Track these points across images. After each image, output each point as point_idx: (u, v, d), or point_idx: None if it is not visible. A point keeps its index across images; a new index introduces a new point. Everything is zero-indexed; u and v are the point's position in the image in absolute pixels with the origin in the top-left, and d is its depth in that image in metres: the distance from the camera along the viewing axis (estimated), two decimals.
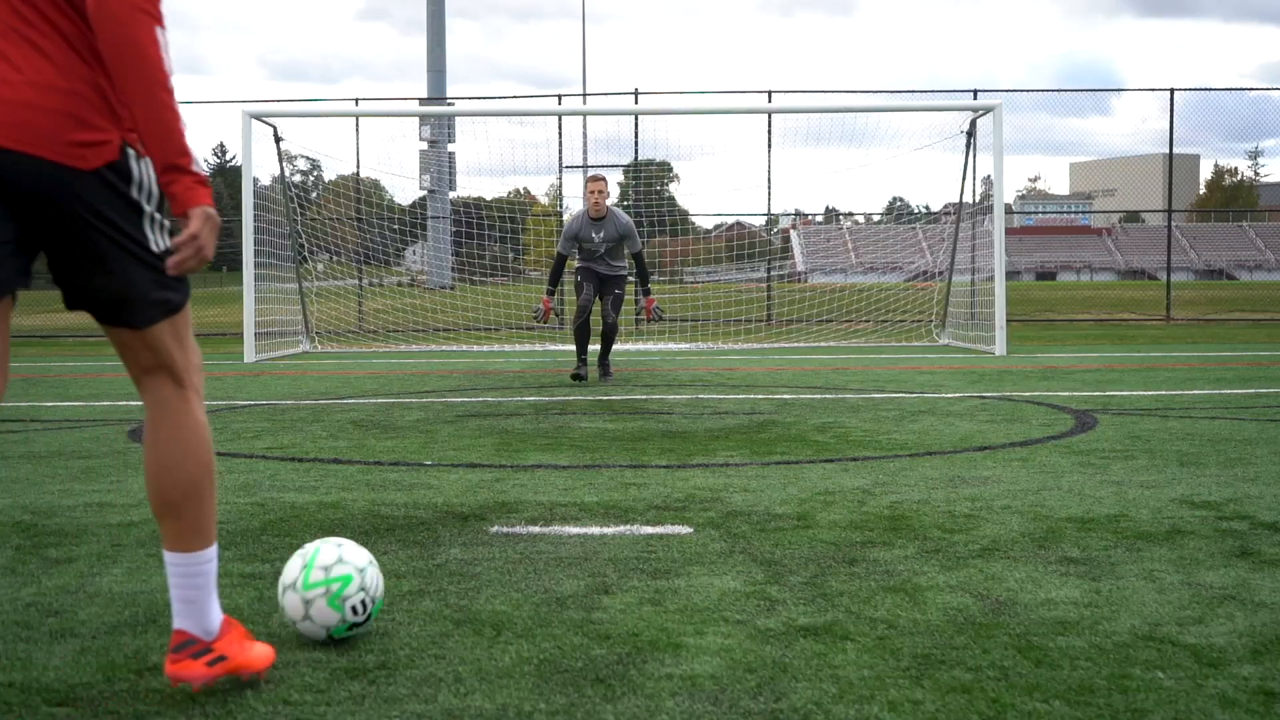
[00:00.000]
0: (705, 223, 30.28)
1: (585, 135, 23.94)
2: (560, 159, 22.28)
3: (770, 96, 21.33)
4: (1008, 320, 14.66)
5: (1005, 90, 41.90)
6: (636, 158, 23.05)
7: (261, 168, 16.50)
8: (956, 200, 17.57)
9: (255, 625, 3.00)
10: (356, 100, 22.07)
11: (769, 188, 22.25)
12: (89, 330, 22.78)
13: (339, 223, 22.09)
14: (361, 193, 23.22)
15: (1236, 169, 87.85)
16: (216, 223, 2.32)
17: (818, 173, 38.39)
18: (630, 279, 11.23)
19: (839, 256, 41.79)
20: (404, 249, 26.96)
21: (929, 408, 8.08)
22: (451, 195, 25.90)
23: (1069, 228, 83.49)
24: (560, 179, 23.27)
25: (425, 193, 26.79)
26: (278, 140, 16.22)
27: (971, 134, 16.67)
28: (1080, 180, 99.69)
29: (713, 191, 43.58)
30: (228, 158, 70.76)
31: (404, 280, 30.12)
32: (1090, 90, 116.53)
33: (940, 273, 18.77)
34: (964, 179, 17.15)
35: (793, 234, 43.18)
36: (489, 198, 24.01)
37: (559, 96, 22.88)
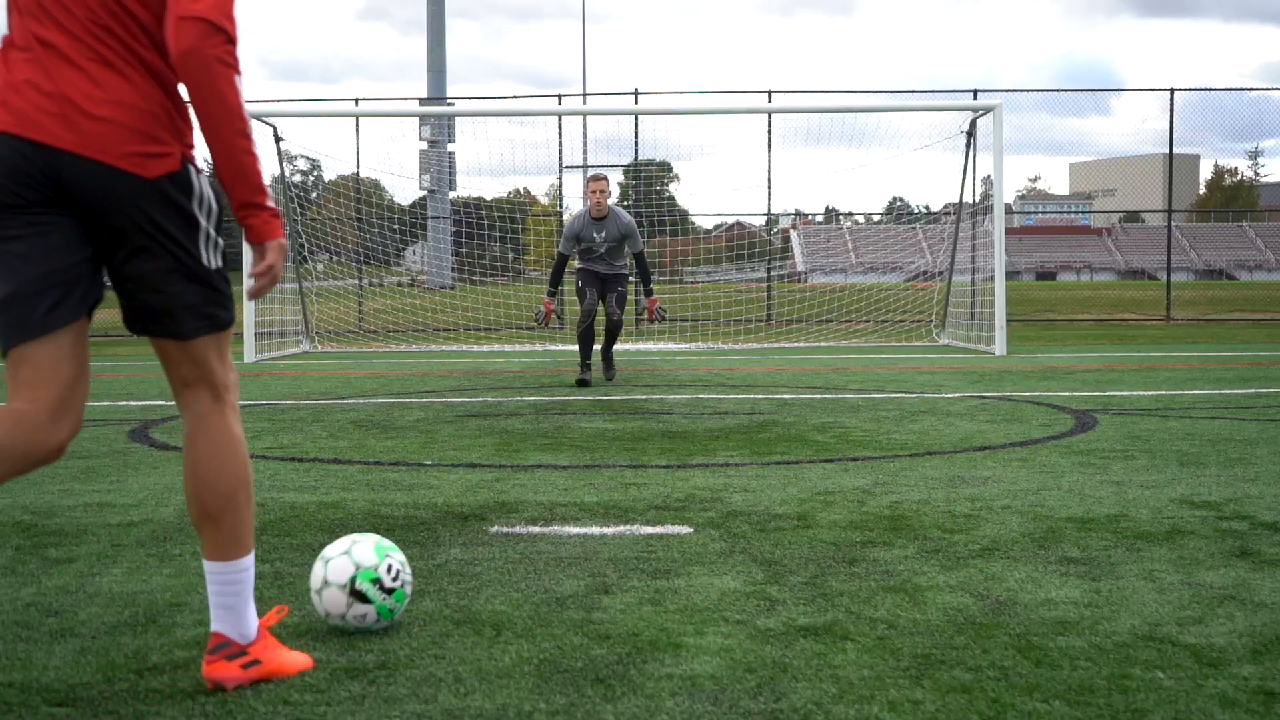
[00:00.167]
0: (705, 223, 30.29)
1: (585, 135, 23.96)
2: (560, 159, 22.30)
3: (770, 96, 21.33)
4: (1008, 320, 14.66)
5: (1005, 90, 41.90)
6: (636, 158, 23.05)
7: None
8: (956, 200, 17.57)
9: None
10: (356, 100, 22.07)
11: (769, 188, 22.26)
12: (89, 330, 22.78)
13: (339, 223, 22.10)
14: (361, 193, 23.22)
15: (1236, 169, 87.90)
16: (285, 248, 2.56)
17: (818, 173, 38.40)
18: (631, 278, 11.20)
19: (839, 256, 41.80)
20: (404, 249, 26.97)
21: (929, 408, 8.08)
22: (451, 195, 25.90)
23: (1069, 228, 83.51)
24: (560, 179, 23.29)
25: (425, 193, 26.79)
26: (277, 140, 16.22)
27: (971, 134, 16.67)
28: (1080, 180, 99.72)
29: (713, 191, 43.59)
30: None
31: (404, 280, 30.13)
32: (1090, 90, 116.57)
33: (940, 273, 18.78)
34: (964, 179, 17.16)
35: (793, 234, 43.18)
36: (489, 198, 24.03)
37: (559, 96, 22.88)
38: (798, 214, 32.47)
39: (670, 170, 29.92)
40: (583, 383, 10.06)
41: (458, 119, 24.43)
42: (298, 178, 23.99)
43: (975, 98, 21.15)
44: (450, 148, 25.83)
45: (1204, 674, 2.62)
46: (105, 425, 7.47)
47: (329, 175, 32.98)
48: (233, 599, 2.59)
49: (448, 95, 35.20)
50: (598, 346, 10.61)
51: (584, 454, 6.01)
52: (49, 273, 2.42)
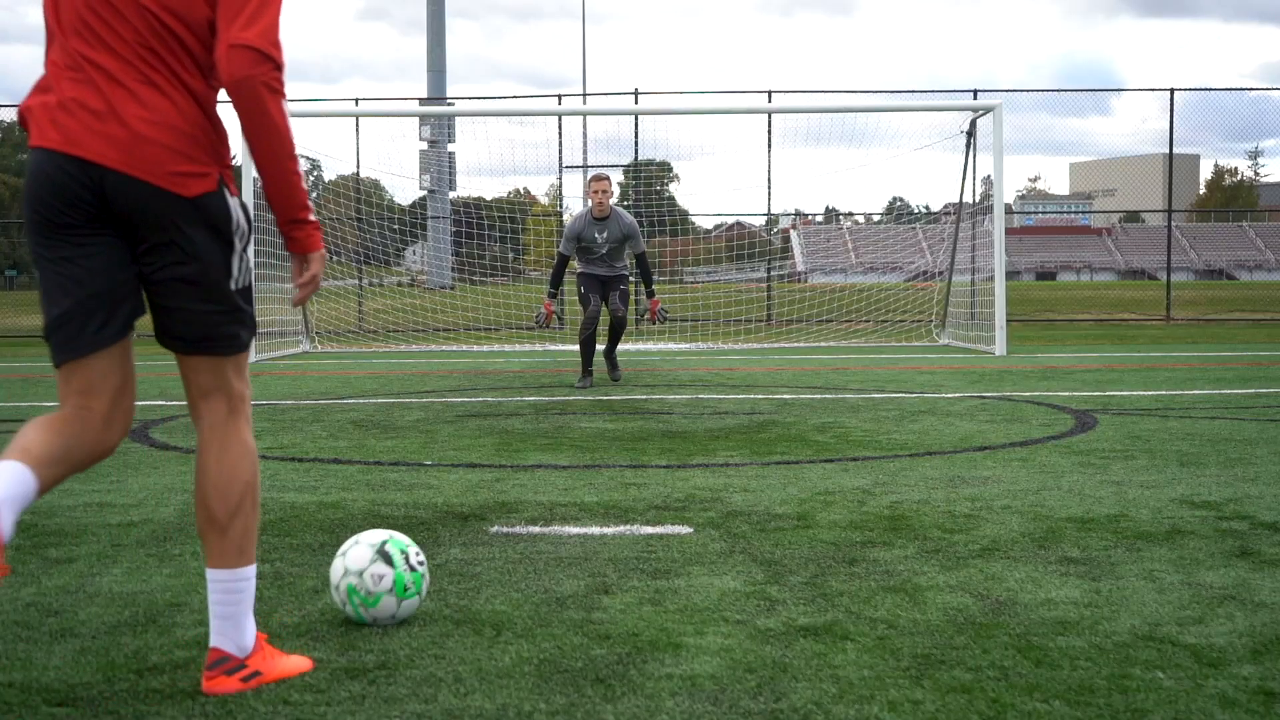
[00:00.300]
0: (705, 223, 30.31)
1: (585, 135, 23.96)
2: (560, 159, 22.30)
3: (770, 96, 21.32)
4: (1008, 320, 14.65)
5: (1005, 90, 41.91)
6: (636, 158, 23.05)
7: None
8: (956, 200, 17.57)
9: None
10: (356, 100, 22.07)
11: (769, 188, 22.25)
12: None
13: (339, 223, 22.09)
14: (361, 193, 23.23)
15: (1236, 169, 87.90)
16: (325, 258, 2.71)
17: (818, 173, 38.41)
18: (632, 279, 11.13)
19: (839, 256, 41.81)
20: (404, 249, 26.97)
21: (929, 408, 8.08)
22: (451, 195, 25.90)
23: (1069, 228, 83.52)
24: (560, 179, 23.28)
25: (425, 193, 26.80)
26: None
27: (971, 134, 16.67)
28: (1080, 180, 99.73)
29: (713, 191, 43.62)
30: None
31: (404, 280, 30.14)
32: (1090, 90, 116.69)
33: (940, 273, 18.78)
34: (964, 179, 17.16)
35: (793, 234, 43.20)
36: (489, 198, 24.04)
37: (559, 96, 22.87)
38: (798, 214, 32.49)
39: (670, 170, 29.94)
40: (583, 386, 9.97)
41: (458, 119, 24.43)
42: None
43: (975, 98, 21.14)
44: (450, 148, 25.84)
45: (1204, 674, 2.62)
46: None
47: (329, 175, 32.99)
48: (233, 608, 2.60)
49: (448, 95, 35.22)
50: (601, 347, 10.55)
51: (584, 454, 6.00)
52: (96, 294, 2.52)
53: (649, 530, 4.13)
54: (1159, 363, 12.55)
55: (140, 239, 2.52)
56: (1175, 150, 23.50)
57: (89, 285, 2.52)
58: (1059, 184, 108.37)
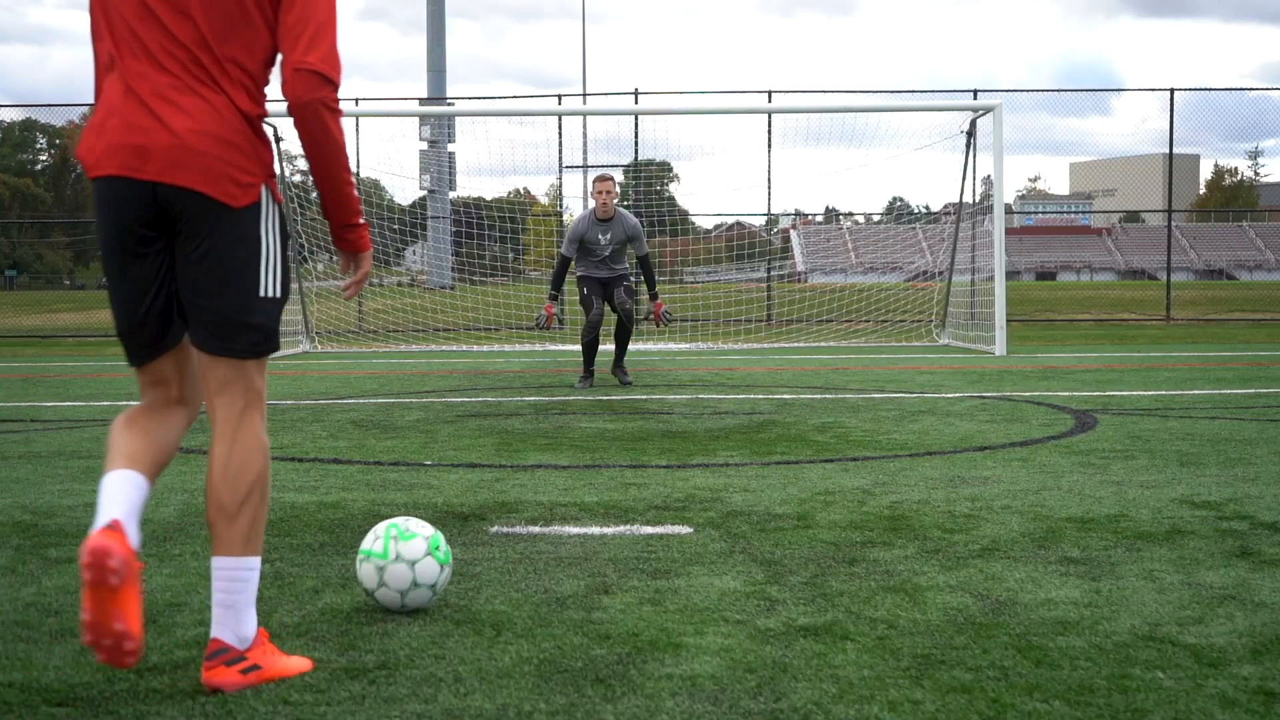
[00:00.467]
0: (705, 223, 30.31)
1: (585, 135, 23.96)
2: (560, 159, 22.30)
3: (770, 96, 21.33)
4: (1008, 320, 14.65)
5: (1005, 90, 41.91)
6: (636, 158, 23.06)
7: None
8: (956, 200, 17.57)
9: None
10: (356, 100, 22.07)
11: (769, 188, 22.26)
12: (89, 330, 22.76)
13: None
14: (361, 193, 23.21)
15: (1236, 169, 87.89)
16: (372, 255, 2.93)
17: (818, 173, 38.41)
18: (634, 279, 11.03)
19: (839, 256, 41.80)
20: (404, 249, 26.96)
21: (929, 408, 8.08)
22: (451, 195, 25.90)
23: (1069, 228, 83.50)
24: (560, 179, 23.29)
25: (425, 193, 26.79)
26: (277, 140, 16.22)
27: (971, 134, 16.67)
28: (1080, 180, 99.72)
29: (713, 191, 43.61)
30: None
31: (404, 280, 30.14)
32: (1090, 90, 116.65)
33: (940, 273, 18.78)
34: (964, 179, 17.16)
35: (793, 234, 43.19)
36: (489, 198, 24.04)
37: (559, 96, 22.87)
38: (798, 214, 32.50)
39: (670, 170, 29.96)
40: (583, 388, 9.91)
41: (458, 119, 24.42)
42: (298, 178, 23.96)
43: (975, 98, 21.15)
44: (450, 148, 25.83)
45: (1204, 674, 2.62)
46: (105, 425, 7.46)
47: None
48: (235, 598, 2.62)
49: (448, 95, 35.20)
50: (605, 347, 10.48)
51: (584, 454, 6.00)
52: (151, 312, 2.71)
53: (649, 530, 4.13)
54: (1159, 363, 12.55)
55: (184, 242, 2.66)
56: (1175, 150, 23.51)
57: (149, 299, 2.69)
58: (1059, 184, 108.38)
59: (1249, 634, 2.90)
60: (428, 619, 3.08)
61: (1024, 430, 6.79)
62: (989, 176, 17.41)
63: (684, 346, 16.85)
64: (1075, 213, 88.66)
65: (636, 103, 22.02)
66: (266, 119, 2.83)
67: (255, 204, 2.68)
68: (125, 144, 2.61)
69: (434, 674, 2.65)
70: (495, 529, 4.18)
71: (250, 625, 2.64)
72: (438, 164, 25.40)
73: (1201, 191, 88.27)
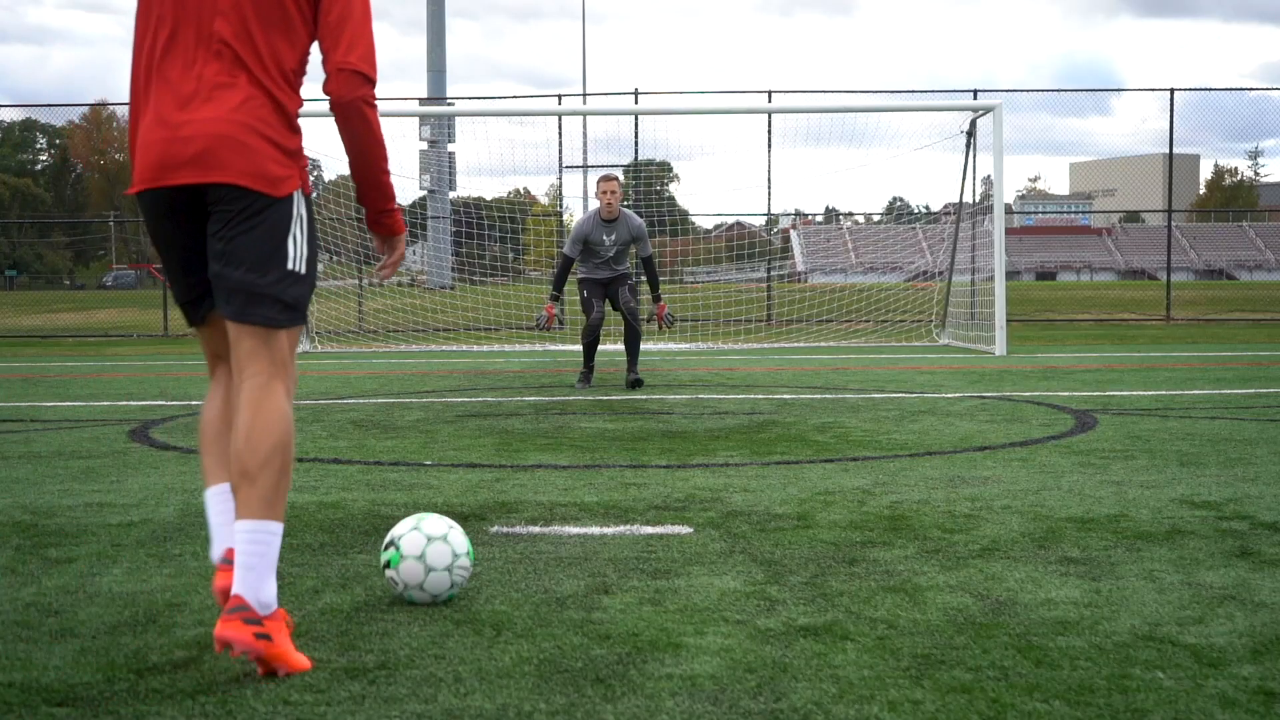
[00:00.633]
0: (705, 223, 30.32)
1: (585, 135, 23.97)
2: (560, 159, 22.29)
3: (770, 96, 21.32)
4: (1008, 320, 14.66)
5: (1005, 90, 41.92)
6: (636, 158, 23.05)
7: None
8: (956, 200, 17.58)
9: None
10: None
11: (769, 188, 22.25)
12: (89, 330, 22.77)
13: (339, 223, 22.08)
14: None
15: (1236, 169, 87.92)
16: (405, 237, 3.13)
17: (818, 173, 38.40)
18: (637, 278, 10.95)
19: (839, 256, 41.82)
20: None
21: (929, 408, 8.08)
22: (451, 195, 25.88)
23: (1069, 228, 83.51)
24: (560, 179, 23.28)
25: (425, 193, 26.77)
26: None
27: (971, 134, 16.68)
28: (1080, 180, 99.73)
29: (713, 191, 43.60)
30: None
31: (404, 280, 30.12)
32: (1090, 90, 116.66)
33: (940, 273, 18.78)
34: (964, 179, 17.16)
35: (793, 234, 43.20)
36: (489, 198, 24.03)
37: (559, 96, 22.87)
38: (798, 214, 32.51)
39: (670, 170, 29.95)
40: (582, 388, 9.87)
41: (458, 119, 24.41)
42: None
43: (975, 98, 21.15)
44: (450, 148, 25.82)
45: (1204, 674, 2.62)
46: (105, 425, 7.47)
47: (329, 175, 32.87)
48: (256, 560, 2.68)
49: (448, 95, 35.20)
50: (609, 346, 10.40)
51: (584, 454, 6.00)
52: (201, 282, 2.93)
53: (649, 530, 4.13)
54: (1159, 363, 12.55)
55: (216, 221, 2.82)
56: (1175, 150, 23.51)
57: (194, 277, 2.93)
58: (1059, 184, 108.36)
59: (1249, 634, 2.90)
60: (428, 619, 3.08)
61: (1024, 430, 6.79)
62: (989, 176, 17.41)
63: (684, 346, 16.85)
64: (1075, 213, 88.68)
65: (636, 103, 22.01)
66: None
67: (289, 194, 2.83)
68: (162, 151, 2.79)
69: (434, 674, 2.65)
70: (495, 529, 4.18)
71: (270, 592, 2.69)
72: (438, 164, 25.39)
73: (1201, 191, 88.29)
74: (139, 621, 3.07)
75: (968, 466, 5.48)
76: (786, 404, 8.49)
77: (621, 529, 4.15)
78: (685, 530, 4.13)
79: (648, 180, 23.35)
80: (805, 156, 29.86)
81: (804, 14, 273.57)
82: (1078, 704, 2.45)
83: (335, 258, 22.50)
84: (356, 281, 22.00)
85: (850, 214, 35.69)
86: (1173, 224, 27.36)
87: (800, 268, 42.61)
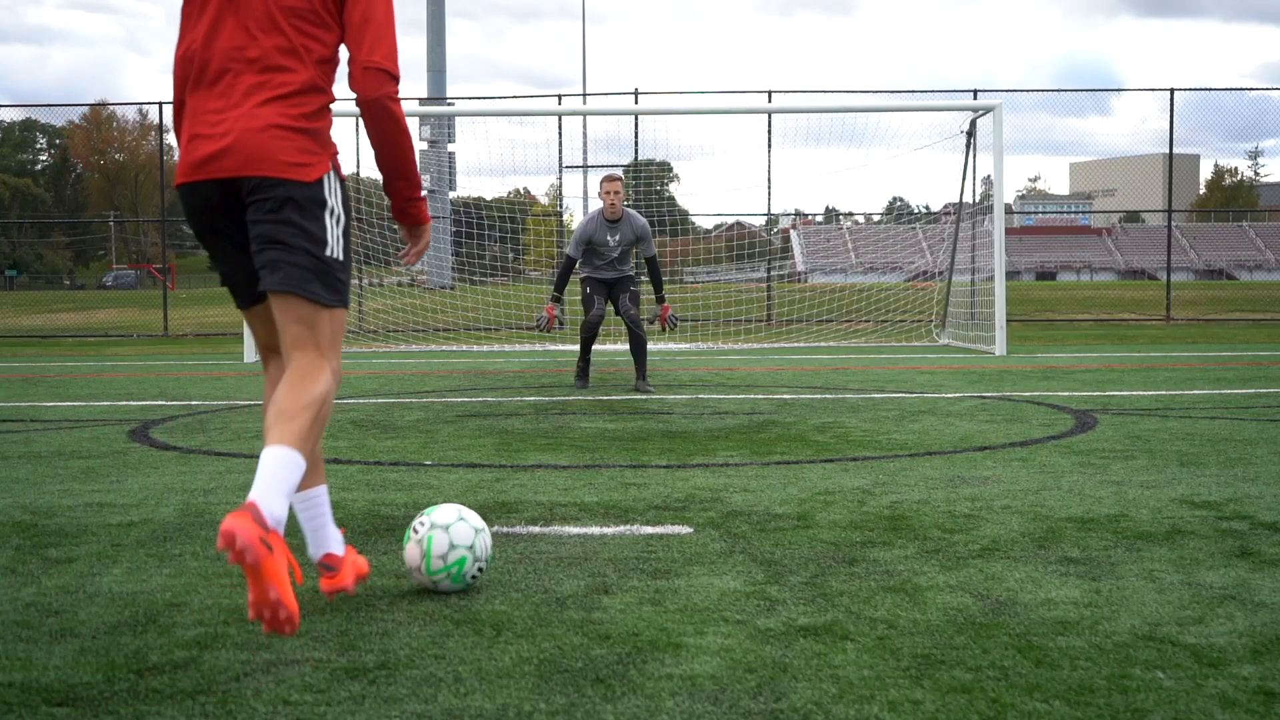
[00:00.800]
0: (705, 223, 30.33)
1: (585, 135, 23.96)
2: (560, 159, 22.30)
3: (770, 96, 21.33)
4: (1008, 320, 14.66)
5: (1005, 90, 41.92)
6: (636, 158, 23.06)
7: None
8: (956, 200, 17.58)
9: (256, 624, 3.00)
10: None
11: (769, 188, 22.26)
12: (89, 330, 22.77)
13: None
14: (361, 193, 23.20)
15: (1236, 169, 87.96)
16: (430, 227, 3.31)
17: (818, 173, 38.44)
18: (642, 279, 10.88)
19: (839, 256, 41.82)
20: (404, 249, 26.95)
21: (929, 408, 8.08)
22: (451, 195, 25.91)
23: (1069, 228, 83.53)
24: (560, 179, 23.29)
25: (425, 193, 26.76)
26: None
27: (971, 134, 16.68)
28: (1080, 180, 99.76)
29: (713, 191, 43.64)
30: None
31: (404, 280, 30.12)
32: (1090, 90, 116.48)
33: (940, 273, 18.78)
34: (964, 179, 17.16)
35: (793, 234, 43.21)
36: (489, 198, 24.04)
37: (559, 96, 22.87)
38: (798, 214, 32.51)
39: (670, 170, 29.97)
40: (581, 387, 9.83)
41: (458, 119, 24.42)
42: None
43: (975, 98, 21.16)
44: (450, 148, 25.85)
45: (1204, 674, 2.62)
46: (105, 425, 7.47)
47: None
48: (279, 479, 2.77)
49: (448, 95, 35.22)
50: (609, 346, 10.39)
51: (584, 454, 6.00)
52: (245, 270, 3.10)
53: (649, 530, 4.13)
54: (1159, 363, 12.55)
55: (255, 209, 2.97)
56: (1175, 150, 23.51)
57: (239, 266, 3.11)
58: (1059, 184, 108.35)
59: (1249, 634, 2.90)
60: (428, 619, 3.08)
61: (1024, 430, 6.79)
62: (989, 176, 17.42)
63: (684, 346, 16.85)
64: (1075, 213, 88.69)
65: (636, 103, 22.03)
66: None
67: (321, 179, 3.00)
68: (205, 150, 2.95)
69: (434, 674, 2.65)
70: (495, 529, 4.18)
71: (282, 510, 2.77)
72: (438, 164, 25.42)
73: (1201, 191, 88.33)
74: (139, 621, 3.07)
75: (968, 466, 5.48)
76: (786, 404, 8.49)
77: (621, 529, 4.15)
78: (685, 530, 4.13)
79: (648, 180, 23.36)
80: (805, 156, 29.89)
81: (804, 14, 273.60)
82: (1078, 704, 2.45)
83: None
84: (356, 281, 22.00)
85: (850, 214, 35.70)
86: (1173, 224, 27.36)
87: (800, 268, 42.62)
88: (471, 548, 3.30)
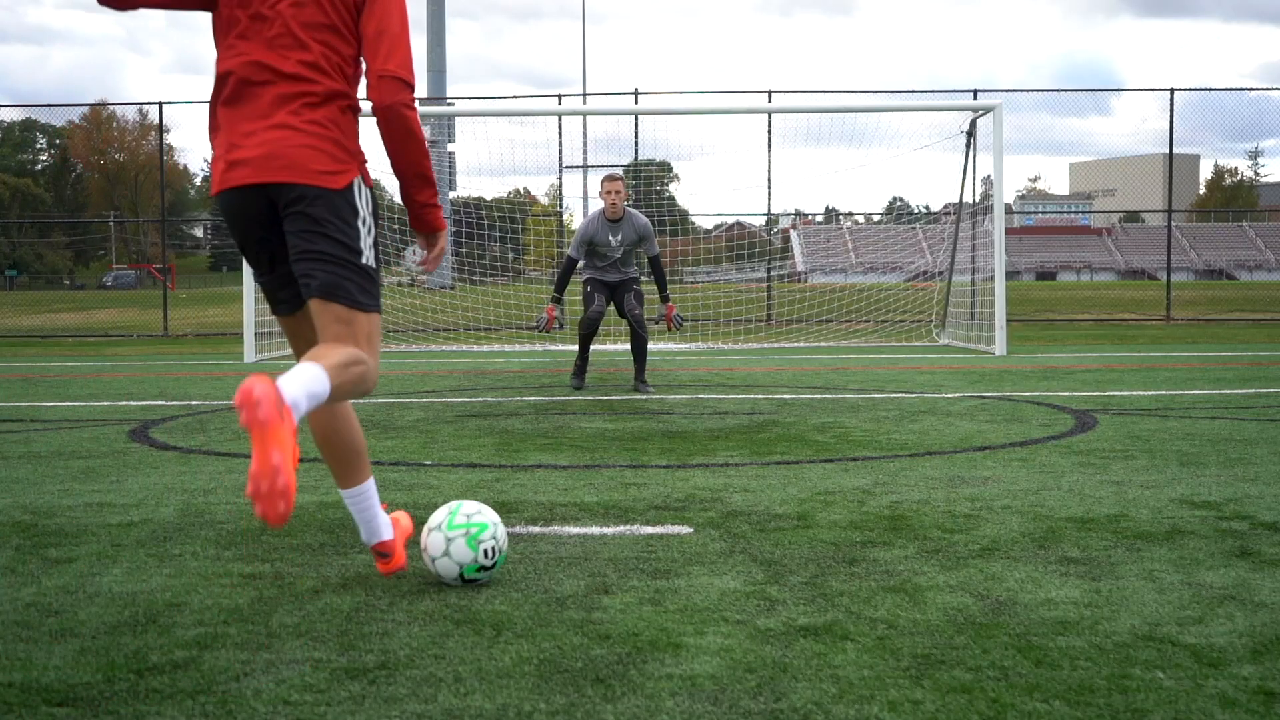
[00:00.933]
0: (705, 223, 30.35)
1: (585, 135, 23.99)
2: (560, 159, 22.31)
3: (770, 96, 21.33)
4: (1008, 320, 14.66)
5: (1005, 90, 41.93)
6: (636, 158, 23.06)
7: None
8: (956, 200, 17.58)
9: (256, 624, 3.00)
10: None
11: (769, 188, 22.26)
12: (89, 330, 22.77)
13: None
14: None
15: (1236, 169, 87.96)
16: (447, 232, 3.36)
17: (818, 173, 38.44)
18: (646, 279, 10.86)
19: (839, 256, 41.83)
20: (404, 249, 26.96)
21: (929, 408, 8.08)
22: (451, 195, 25.88)
23: (1069, 228, 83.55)
24: (560, 179, 23.29)
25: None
26: None
27: (971, 134, 16.68)
28: (1080, 180, 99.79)
29: (713, 191, 43.63)
30: None
31: (404, 280, 30.13)
32: (1090, 90, 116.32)
33: (940, 273, 18.78)
34: (964, 179, 17.16)
35: (793, 234, 43.21)
36: (489, 198, 24.03)
37: (559, 96, 22.87)
38: (798, 214, 32.51)
39: (670, 170, 29.98)
40: (577, 387, 9.80)
41: (457, 119, 24.41)
42: None
43: (975, 98, 21.16)
44: (450, 148, 25.81)
45: (1204, 674, 2.62)
46: (105, 425, 7.47)
47: None
48: (304, 381, 2.80)
49: (448, 95, 35.21)
50: (609, 346, 10.38)
51: (584, 454, 6.00)
52: (282, 279, 3.23)
53: (649, 530, 4.13)
54: (1159, 363, 12.55)
55: (292, 220, 3.07)
56: (1175, 150, 23.51)
57: (274, 278, 3.24)
58: (1059, 184, 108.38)
59: (1249, 634, 2.90)
60: (428, 619, 3.08)
61: (1024, 430, 6.79)
62: (989, 176, 17.42)
63: (684, 346, 16.84)
64: (1075, 213, 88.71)
65: (636, 103, 22.03)
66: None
67: (351, 184, 3.09)
68: (243, 147, 3.06)
69: (434, 674, 2.65)
70: None
71: (301, 401, 2.78)
72: (437, 164, 25.36)
73: (1201, 191, 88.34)
74: (139, 621, 3.07)
75: (968, 466, 5.48)
76: (786, 404, 8.49)
77: (621, 529, 4.15)
78: (685, 530, 4.13)
79: (648, 180, 23.36)
80: (805, 156, 29.89)
81: (804, 14, 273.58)
82: (1078, 704, 2.45)
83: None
84: None
85: (850, 214, 35.71)
86: (1173, 224, 27.36)
87: (800, 268, 42.62)
88: (495, 524, 3.40)
